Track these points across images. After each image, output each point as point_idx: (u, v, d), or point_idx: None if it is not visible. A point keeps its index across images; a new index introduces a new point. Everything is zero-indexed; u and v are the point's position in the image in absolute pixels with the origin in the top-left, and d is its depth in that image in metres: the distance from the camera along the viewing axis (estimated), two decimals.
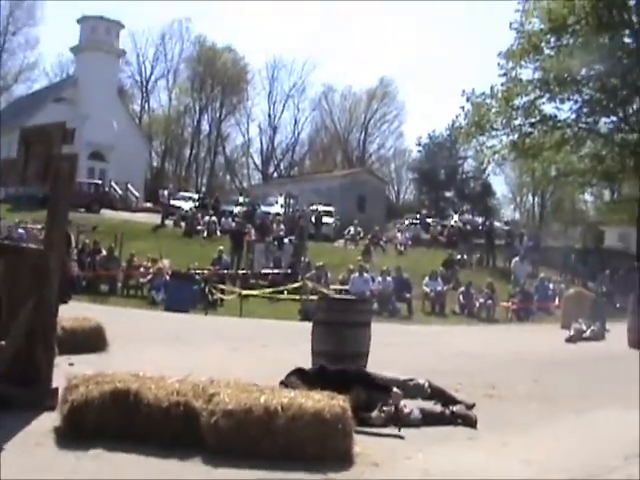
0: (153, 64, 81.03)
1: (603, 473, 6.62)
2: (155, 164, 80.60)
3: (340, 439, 6.43)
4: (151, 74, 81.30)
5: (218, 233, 35.77)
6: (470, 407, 8.68)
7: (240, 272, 27.89)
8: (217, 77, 79.44)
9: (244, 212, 41.38)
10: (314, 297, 21.93)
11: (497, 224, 48.78)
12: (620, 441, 7.83)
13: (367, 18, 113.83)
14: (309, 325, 12.07)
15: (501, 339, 20.50)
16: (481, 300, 27.31)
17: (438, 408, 8.54)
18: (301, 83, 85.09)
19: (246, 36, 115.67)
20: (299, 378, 8.33)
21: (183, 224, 37.45)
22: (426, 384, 8.92)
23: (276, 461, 6.10)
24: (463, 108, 37.78)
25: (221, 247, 28.60)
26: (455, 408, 8.58)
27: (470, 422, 8.36)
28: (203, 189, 73.24)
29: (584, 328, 20.43)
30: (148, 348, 12.29)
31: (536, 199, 79.06)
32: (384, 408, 7.88)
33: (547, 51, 36.19)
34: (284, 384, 8.09)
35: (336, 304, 12.78)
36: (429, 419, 8.24)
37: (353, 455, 6.49)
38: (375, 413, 7.85)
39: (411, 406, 8.28)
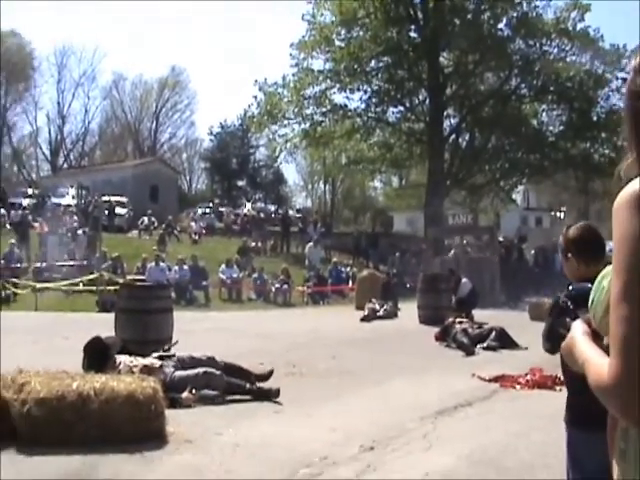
0: None
1: (402, 434, 7.05)
2: None
3: (153, 419, 6.62)
4: None
5: (7, 226, 34.49)
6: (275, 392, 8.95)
7: (33, 265, 27.03)
8: (1, 63, 76.09)
9: (34, 204, 40.14)
10: (111, 288, 21.74)
11: (290, 212, 49.65)
12: (415, 406, 8.35)
13: (156, 5, 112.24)
14: (108, 316, 12.04)
15: (298, 321, 20.98)
16: (277, 285, 27.72)
17: (241, 381, 8.85)
18: (91, 71, 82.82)
19: (32, 21, 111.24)
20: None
21: None
22: (218, 357, 9.22)
23: (92, 444, 6.20)
24: (255, 97, 38.09)
25: (12, 240, 27.58)
26: (257, 385, 8.91)
27: (270, 394, 8.69)
28: None
29: (377, 307, 21.22)
30: None
31: (327, 186, 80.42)
32: (193, 391, 8.07)
33: (338, 43, 36.95)
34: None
35: (136, 291, 12.78)
36: (232, 385, 8.53)
37: (167, 434, 6.68)
38: (185, 394, 8.01)
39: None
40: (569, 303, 3.31)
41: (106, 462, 5.90)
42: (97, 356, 8.43)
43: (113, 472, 5.69)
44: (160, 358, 8.87)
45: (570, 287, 3.47)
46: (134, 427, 6.46)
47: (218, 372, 8.65)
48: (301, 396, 8.84)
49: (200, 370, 8.59)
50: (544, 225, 59.24)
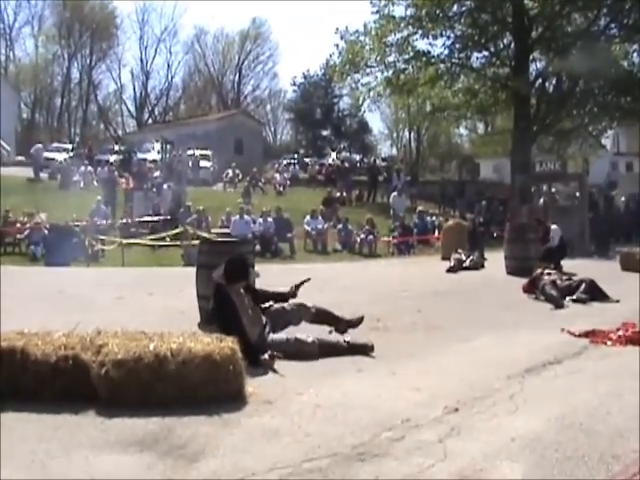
0: (16, 10, 77.98)
1: (488, 394, 6.83)
2: (25, 115, 77.81)
3: (232, 380, 6.52)
4: (14, 21, 78.00)
5: (95, 183, 34.93)
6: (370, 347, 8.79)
7: (120, 221, 27.30)
8: (85, 23, 76.85)
9: (120, 160, 40.64)
10: (196, 242, 21.83)
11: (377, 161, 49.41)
12: (502, 363, 8.10)
13: None
14: (192, 270, 11.98)
15: (384, 272, 20.83)
16: (362, 236, 27.55)
17: (333, 338, 8.74)
18: (172, 26, 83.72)
19: None
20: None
21: (58, 176, 36.42)
22: (310, 303, 9.11)
23: (170, 406, 6.14)
24: (337, 46, 37.59)
25: (99, 197, 27.88)
26: (349, 338, 8.78)
27: (366, 350, 8.56)
28: (77, 139, 71.15)
29: (464, 258, 20.83)
30: (31, 304, 11.98)
31: (412, 134, 79.72)
32: (275, 353, 7.94)
33: None
34: None
35: (217, 247, 12.63)
36: (325, 348, 8.42)
37: (246, 395, 6.60)
38: (267, 354, 7.88)
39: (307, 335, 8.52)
40: None
41: (184, 424, 5.82)
42: (238, 269, 8.68)
43: (191, 434, 5.60)
44: (263, 311, 8.85)
45: None
46: (212, 388, 6.38)
47: (310, 340, 8.49)
48: (385, 352, 8.64)
49: (292, 337, 8.48)
50: (635, 170, 57.59)
